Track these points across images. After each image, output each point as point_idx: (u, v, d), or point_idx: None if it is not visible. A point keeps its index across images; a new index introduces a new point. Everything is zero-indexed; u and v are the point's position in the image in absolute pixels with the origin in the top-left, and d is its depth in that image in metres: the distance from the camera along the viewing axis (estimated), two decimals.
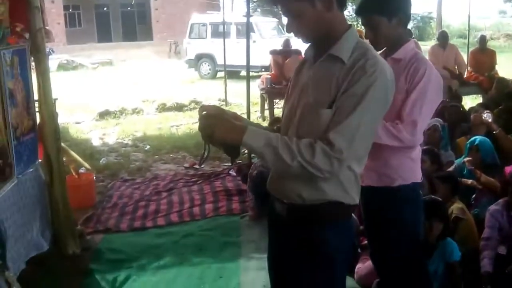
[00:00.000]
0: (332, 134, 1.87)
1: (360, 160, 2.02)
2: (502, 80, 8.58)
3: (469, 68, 10.21)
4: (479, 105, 7.83)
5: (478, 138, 5.07)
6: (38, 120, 4.67)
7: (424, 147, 5.05)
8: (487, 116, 5.69)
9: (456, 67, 9.61)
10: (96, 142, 9.44)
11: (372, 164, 2.69)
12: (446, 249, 3.35)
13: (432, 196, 3.43)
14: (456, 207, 4.13)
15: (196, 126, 9.80)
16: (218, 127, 1.90)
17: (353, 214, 2.22)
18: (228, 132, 1.90)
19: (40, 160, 4.75)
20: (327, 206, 1.99)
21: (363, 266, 3.91)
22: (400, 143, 2.67)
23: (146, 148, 8.77)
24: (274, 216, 2.18)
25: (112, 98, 13.39)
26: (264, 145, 1.87)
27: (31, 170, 4.45)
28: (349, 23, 2.04)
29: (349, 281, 3.83)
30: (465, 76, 9.68)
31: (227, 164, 7.53)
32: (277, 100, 9.55)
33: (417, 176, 2.82)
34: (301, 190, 2.00)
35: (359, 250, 4.08)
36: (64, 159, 5.05)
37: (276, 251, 2.21)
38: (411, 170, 2.78)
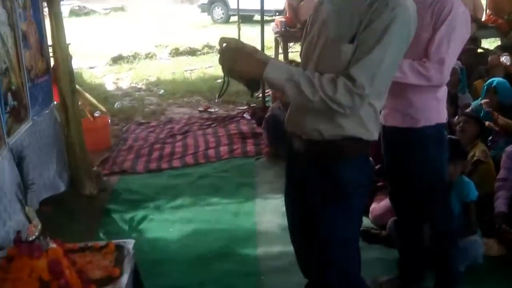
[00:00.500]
0: (354, 69, 1.84)
1: (381, 96, 2.00)
2: None
3: (487, 11, 9.95)
4: (498, 47, 7.67)
5: (496, 79, 4.98)
6: (52, 64, 4.66)
7: None
8: (505, 58, 5.58)
9: (473, 10, 9.36)
10: (110, 87, 9.45)
11: (396, 104, 2.66)
12: (463, 188, 3.33)
13: (452, 136, 3.39)
14: (479, 149, 4.10)
15: (209, 71, 9.95)
16: (239, 60, 1.88)
17: None
18: (249, 65, 1.88)
19: (55, 103, 4.76)
20: (346, 142, 1.98)
21: (378, 206, 3.93)
22: (427, 82, 2.61)
23: (160, 92, 8.75)
24: (292, 153, 2.17)
25: (124, 43, 13.29)
26: (286, 79, 1.85)
27: (47, 112, 4.47)
28: None
29: (364, 221, 3.88)
30: (483, 19, 9.44)
31: (241, 107, 7.52)
32: (291, 44, 9.41)
33: (442, 116, 2.76)
34: (320, 126, 1.99)
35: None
36: (79, 102, 5.06)
37: (294, 187, 2.21)
38: (436, 110, 2.73)
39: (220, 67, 1.95)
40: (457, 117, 4.98)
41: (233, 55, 1.89)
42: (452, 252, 2.89)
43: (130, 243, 2.51)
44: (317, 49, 2.01)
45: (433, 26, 2.61)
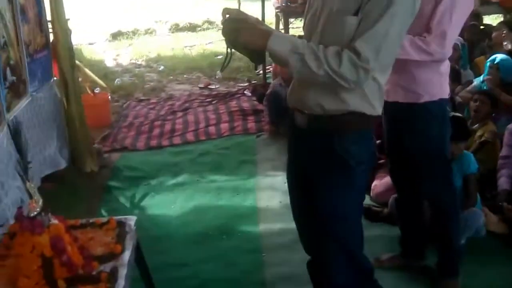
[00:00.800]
0: (359, 42, 1.80)
1: (385, 70, 1.97)
2: None
3: None
4: (501, 23, 7.60)
5: (498, 56, 4.93)
6: (51, 39, 4.61)
7: None
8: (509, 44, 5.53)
9: None
10: (109, 63, 9.39)
11: (399, 80, 2.62)
12: (464, 162, 3.33)
13: (455, 114, 3.37)
14: (488, 129, 4.09)
15: (209, 47, 9.86)
16: (242, 32, 1.84)
17: None
18: (252, 36, 1.84)
19: (55, 78, 4.72)
20: (349, 117, 1.95)
21: (380, 183, 3.92)
22: (429, 57, 2.57)
23: (160, 69, 8.70)
24: (294, 129, 2.14)
25: (124, 19, 13.17)
26: (290, 51, 1.81)
27: (46, 87, 4.44)
28: None
29: (366, 199, 3.86)
30: None
31: (242, 84, 7.47)
32: (292, 20, 9.32)
33: (445, 92, 2.72)
34: (322, 100, 1.96)
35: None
36: (79, 78, 5.02)
37: (296, 163, 2.19)
38: (439, 85, 2.69)
39: (221, 42, 1.92)
40: (459, 94, 4.97)
41: (236, 25, 1.85)
42: (453, 228, 2.88)
43: (131, 220, 2.49)
44: (321, 22, 1.97)
45: None
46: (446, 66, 2.72)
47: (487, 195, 3.69)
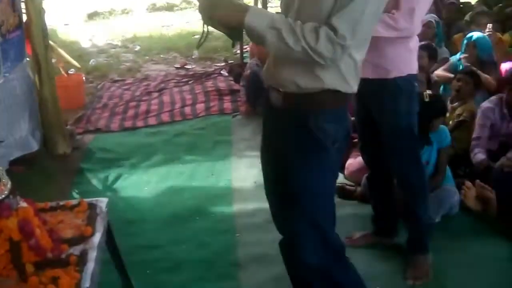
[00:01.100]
0: (336, 19, 1.77)
1: (361, 47, 1.94)
2: None
3: None
4: (479, 2, 7.61)
5: (475, 34, 4.91)
6: (24, 19, 4.50)
7: (422, 42, 4.93)
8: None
9: None
10: (85, 44, 9.25)
11: (368, 56, 2.57)
12: (441, 136, 3.33)
13: (430, 92, 3.35)
14: (468, 108, 4.09)
15: (187, 26, 9.76)
16: (219, 6, 1.79)
17: None
18: (229, 12, 1.79)
19: (28, 59, 4.62)
20: (324, 94, 1.92)
21: (354, 161, 3.90)
22: (398, 33, 2.56)
23: (136, 49, 8.60)
24: (269, 107, 2.11)
25: None
26: (267, 26, 1.77)
27: (19, 68, 4.34)
28: None
29: (340, 177, 3.85)
30: None
31: (219, 64, 7.40)
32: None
33: (413, 67, 2.72)
34: (297, 78, 1.92)
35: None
36: (53, 59, 4.91)
37: (270, 141, 2.16)
38: (407, 61, 2.68)
39: (199, 21, 1.86)
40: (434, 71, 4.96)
41: (212, 1, 1.80)
42: (421, 204, 2.88)
43: (103, 202, 2.45)
44: (297, 1, 1.92)
45: None
46: (415, 42, 2.71)
47: (460, 172, 3.69)
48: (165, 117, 5.63)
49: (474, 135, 3.86)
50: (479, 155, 3.68)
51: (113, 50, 8.70)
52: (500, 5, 6.86)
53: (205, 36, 1.94)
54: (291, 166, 2.02)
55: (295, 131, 1.99)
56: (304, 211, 2.04)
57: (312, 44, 1.75)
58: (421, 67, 4.47)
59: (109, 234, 2.43)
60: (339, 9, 1.77)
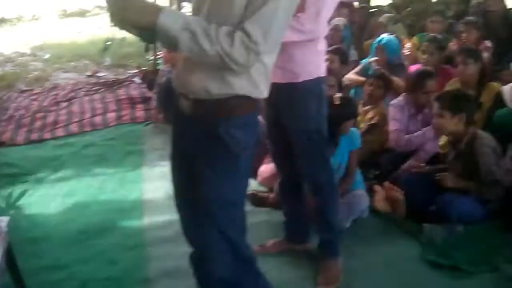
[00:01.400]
0: (249, 24, 1.73)
1: (272, 52, 1.91)
2: None
3: None
4: (390, 6, 7.81)
5: (385, 37, 5.02)
6: None
7: (333, 46, 4.99)
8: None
9: None
10: None
11: (277, 60, 2.57)
12: (352, 139, 3.35)
13: (342, 95, 3.37)
14: (380, 112, 4.15)
15: (100, 32, 9.51)
16: (130, 8, 1.69)
17: None
18: (141, 13, 1.70)
19: None
20: (234, 101, 1.88)
21: (267, 168, 3.87)
22: (304, 36, 2.55)
23: (46, 57, 8.31)
24: (178, 115, 2.04)
25: (7, 3, 12.43)
26: (182, 27, 1.70)
27: None
28: None
29: (253, 184, 3.83)
30: None
31: (131, 71, 7.23)
32: (184, 4, 9.17)
33: (322, 70, 2.72)
34: (207, 84, 1.86)
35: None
36: None
37: (180, 149, 2.09)
38: (316, 64, 2.68)
39: (112, 27, 1.75)
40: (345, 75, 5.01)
41: (123, 3, 1.70)
42: (331, 208, 2.88)
43: (3, 221, 2.34)
44: (208, 1, 1.86)
45: None
46: (322, 44, 2.71)
47: (370, 176, 3.74)
48: (74, 128, 5.42)
49: (392, 127, 3.92)
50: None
51: (21, 58, 8.35)
52: (409, 9, 7.07)
53: (109, 42, 1.84)
54: (201, 174, 1.96)
55: (204, 138, 1.94)
56: (214, 221, 1.99)
57: (226, 49, 1.71)
58: (332, 71, 4.54)
59: (9, 255, 2.33)
60: (252, 14, 1.74)
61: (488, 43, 5.41)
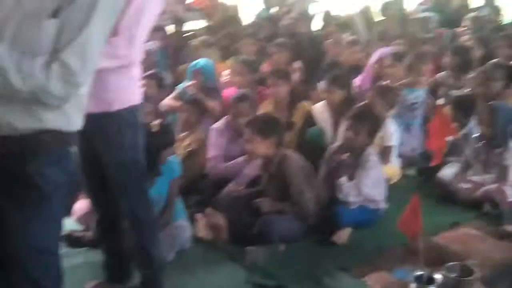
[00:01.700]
0: (66, 54, 1.63)
1: (87, 81, 1.81)
2: (224, 5, 8.78)
3: None
4: (207, 28, 7.87)
5: (200, 61, 5.05)
6: None
7: (149, 72, 4.91)
8: None
9: None
10: None
11: (91, 89, 2.44)
12: (171, 167, 3.30)
13: (158, 122, 3.32)
14: (196, 137, 4.18)
15: None
16: None
17: None
18: None
19: None
20: (43, 136, 1.74)
21: (83, 204, 3.64)
22: (118, 62, 2.47)
23: None
24: None
25: None
26: None
27: None
28: None
29: (68, 223, 3.56)
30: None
31: None
32: None
33: (137, 97, 2.65)
34: (13, 119, 1.70)
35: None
36: None
37: None
38: (130, 91, 2.60)
39: None
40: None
41: None
42: (151, 242, 2.79)
43: None
44: (11, 26, 1.68)
45: None
46: (137, 70, 2.65)
47: (191, 203, 3.70)
48: None
49: (211, 154, 3.93)
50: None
51: None
52: (224, 32, 7.19)
53: None
54: (9, 222, 1.79)
55: (11, 180, 1.76)
56: (24, 272, 1.83)
57: (42, 84, 1.60)
58: (150, 97, 4.44)
59: None
60: (67, 43, 1.63)
61: (297, 64, 5.71)
